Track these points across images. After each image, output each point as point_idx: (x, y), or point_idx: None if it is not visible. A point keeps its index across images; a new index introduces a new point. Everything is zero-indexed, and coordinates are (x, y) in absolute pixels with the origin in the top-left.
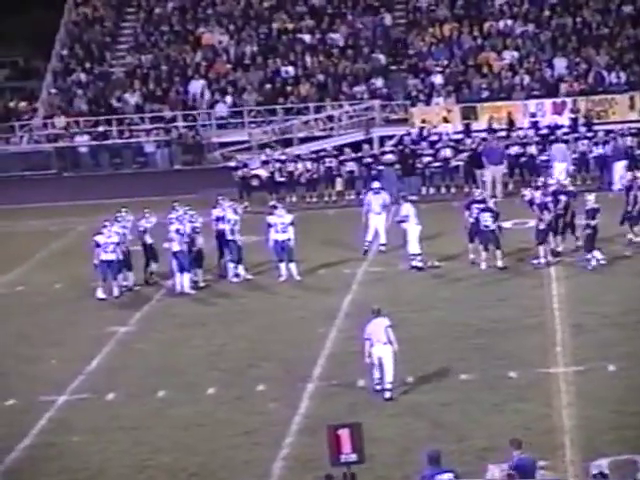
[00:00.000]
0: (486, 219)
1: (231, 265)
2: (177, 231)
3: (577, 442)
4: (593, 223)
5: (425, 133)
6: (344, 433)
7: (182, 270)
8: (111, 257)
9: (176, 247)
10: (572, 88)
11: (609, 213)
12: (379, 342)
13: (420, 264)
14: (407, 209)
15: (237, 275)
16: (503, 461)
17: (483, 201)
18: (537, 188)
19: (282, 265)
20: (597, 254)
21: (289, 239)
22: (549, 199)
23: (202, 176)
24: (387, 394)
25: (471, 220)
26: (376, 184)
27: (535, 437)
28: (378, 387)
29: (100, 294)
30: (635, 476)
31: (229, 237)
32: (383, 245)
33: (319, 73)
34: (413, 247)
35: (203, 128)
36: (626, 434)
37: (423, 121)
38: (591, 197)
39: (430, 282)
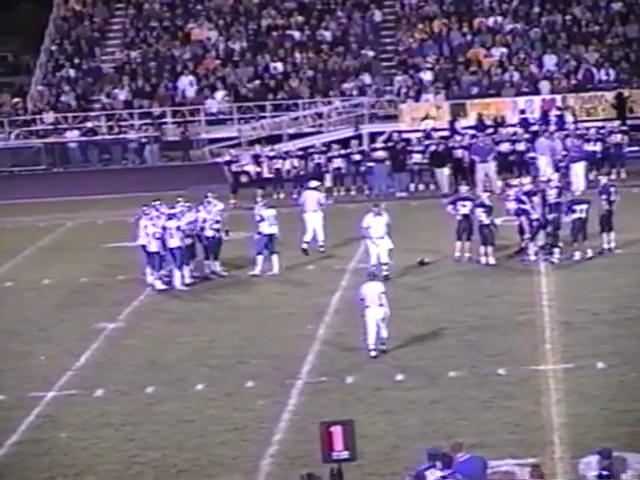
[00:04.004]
0: (480, 214)
1: (213, 261)
2: (178, 228)
3: (566, 439)
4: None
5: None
6: (336, 430)
7: (180, 266)
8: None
9: (175, 243)
10: (560, 85)
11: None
12: (374, 304)
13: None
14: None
15: (214, 272)
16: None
17: (468, 198)
18: (529, 192)
19: (260, 258)
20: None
21: (275, 233)
22: (536, 198)
23: (191, 172)
24: (372, 353)
25: (458, 217)
26: (313, 183)
27: (524, 434)
28: (373, 353)
29: (159, 285)
30: (625, 473)
31: (210, 234)
32: (322, 245)
33: (308, 69)
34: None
35: (192, 124)
36: (615, 431)
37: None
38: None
39: (420, 279)
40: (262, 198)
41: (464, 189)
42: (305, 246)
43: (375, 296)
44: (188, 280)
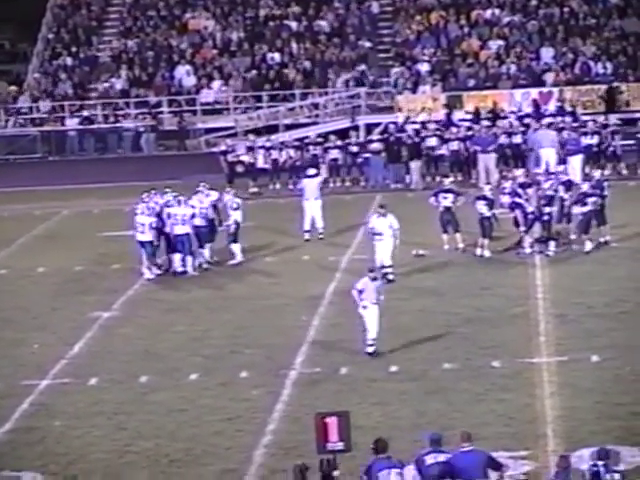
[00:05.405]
0: (481, 207)
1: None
2: (193, 215)
3: (560, 432)
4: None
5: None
6: (332, 421)
7: (191, 252)
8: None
9: (184, 230)
10: (559, 78)
11: None
12: (367, 301)
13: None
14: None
15: (208, 262)
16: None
17: (450, 190)
18: (524, 184)
19: (237, 246)
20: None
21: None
22: (531, 190)
23: (187, 161)
24: (369, 349)
25: (440, 209)
26: (311, 170)
27: (518, 427)
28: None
29: (148, 274)
30: (617, 467)
31: (200, 222)
32: (321, 232)
33: (305, 60)
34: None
35: (188, 114)
36: (609, 425)
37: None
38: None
39: (415, 270)
40: (231, 188)
41: (447, 181)
42: (307, 236)
43: (370, 293)
44: (180, 269)
